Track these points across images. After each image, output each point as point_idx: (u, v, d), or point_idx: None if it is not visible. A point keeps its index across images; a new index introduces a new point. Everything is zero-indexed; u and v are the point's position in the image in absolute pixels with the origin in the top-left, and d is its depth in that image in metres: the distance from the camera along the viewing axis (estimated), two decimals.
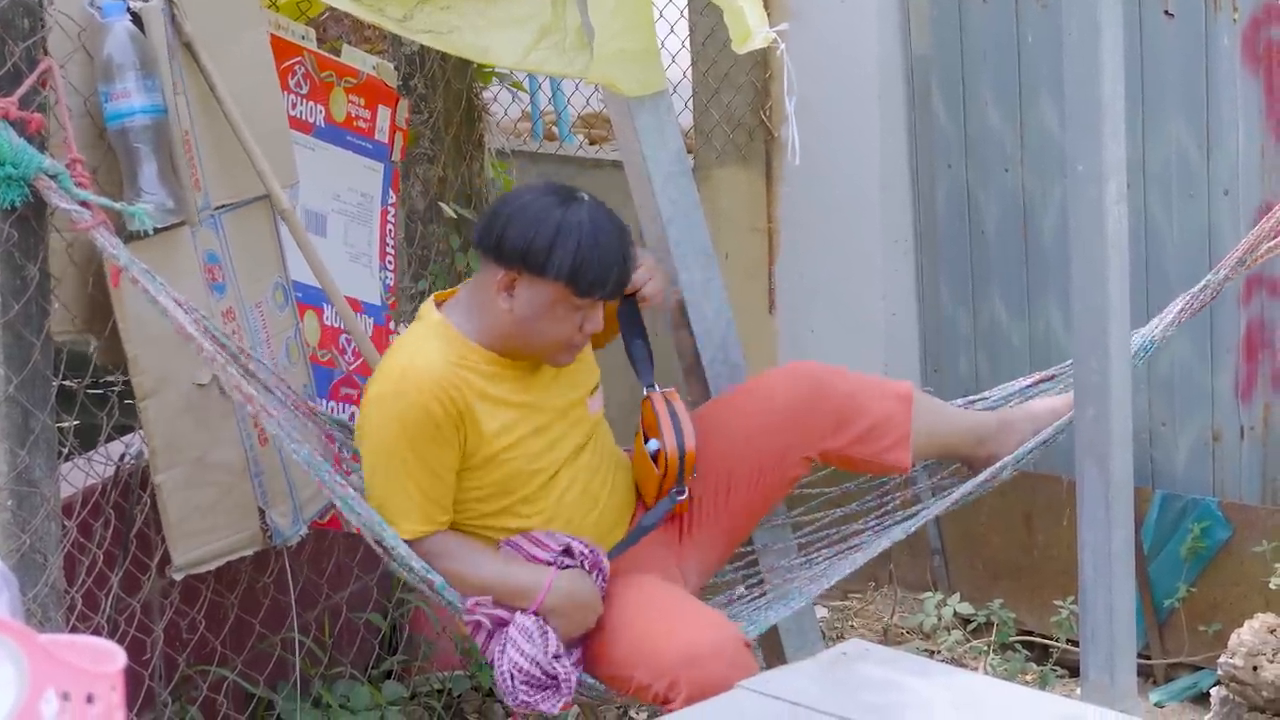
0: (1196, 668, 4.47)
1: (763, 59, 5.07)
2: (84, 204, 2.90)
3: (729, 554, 3.67)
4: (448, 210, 4.76)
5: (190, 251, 3.32)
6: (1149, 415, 4.46)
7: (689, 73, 5.37)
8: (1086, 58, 2.91)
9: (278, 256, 3.57)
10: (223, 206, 3.40)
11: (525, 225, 3.21)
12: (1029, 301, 4.69)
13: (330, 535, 3.95)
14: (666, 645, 3.20)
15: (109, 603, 3.42)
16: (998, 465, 3.60)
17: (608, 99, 3.89)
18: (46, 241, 3.00)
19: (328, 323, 3.84)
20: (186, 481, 3.30)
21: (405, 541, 3.20)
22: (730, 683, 3.07)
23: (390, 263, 4.14)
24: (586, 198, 3.28)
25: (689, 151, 4.75)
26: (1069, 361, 3.81)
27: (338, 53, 4.04)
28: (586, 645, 3.33)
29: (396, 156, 4.15)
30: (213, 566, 3.40)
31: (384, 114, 4.09)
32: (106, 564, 3.44)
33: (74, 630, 3.21)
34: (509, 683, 3.24)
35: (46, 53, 2.98)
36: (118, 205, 2.96)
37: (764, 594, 3.71)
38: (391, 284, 4.15)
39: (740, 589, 3.77)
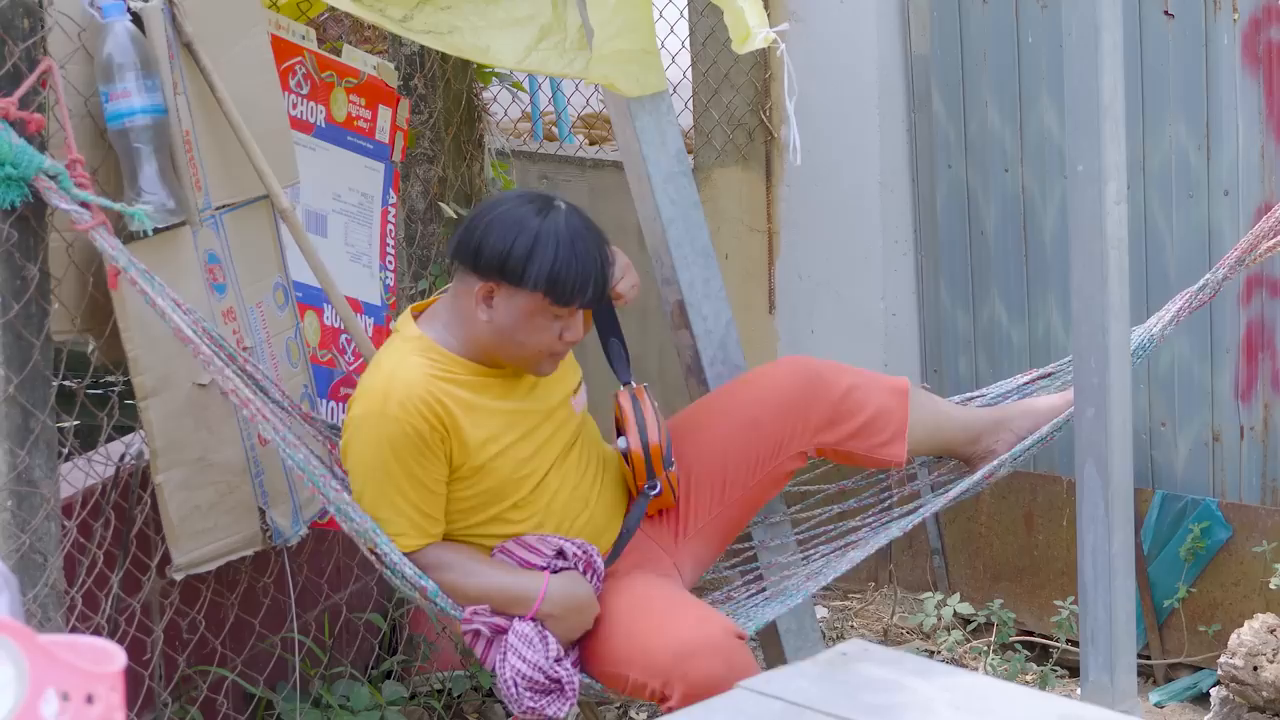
0: (1196, 668, 4.47)
1: (763, 59, 5.08)
2: (84, 204, 2.89)
3: (725, 547, 3.67)
4: (448, 210, 4.76)
5: (191, 252, 3.32)
6: (1149, 415, 4.46)
7: (689, 73, 5.37)
8: (1086, 58, 2.90)
9: (278, 257, 3.57)
10: (223, 207, 3.40)
11: (502, 236, 3.20)
12: (1029, 302, 4.69)
13: (330, 535, 3.95)
14: (659, 642, 3.21)
15: (109, 603, 3.42)
16: (995, 462, 3.61)
17: (608, 99, 3.89)
18: (46, 241, 3.00)
19: (328, 323, 3.84)
20: (187, 482, 3.30)
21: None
22: (724, 674, 3.09)
23: (390, 263, 4.15)
24: (563, 205, 3.26)
25: (689, 151, 4.76)
26: (1067, 358, 3.82)
27: (338, 53, 4.04)
28: (582, 645, 3.33)
29: (397, 157, 4.15)
30: (213, 567, 3.40)
31: (384, 114, 4.09)
32: (106, 564, 3.44)
33: (74, 630, 3.21)
34: (513, 690, 3.24)
35: (46, 53, 2.98)
36: (117, 206, 2.96)
37: (762, 590, 3.72)
38: (391, 284, 4.15)
39: (739, 585, 3.77)
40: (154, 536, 3.44)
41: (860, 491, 3.85)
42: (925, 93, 4.84)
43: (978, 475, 3.62)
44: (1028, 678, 4.48)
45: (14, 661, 1.50)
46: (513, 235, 3.19)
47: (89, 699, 1.51)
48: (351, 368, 3.86)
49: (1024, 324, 4.70)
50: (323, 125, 3.91)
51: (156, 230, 3.11)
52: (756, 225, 5.15)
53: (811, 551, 3.77)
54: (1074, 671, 4.32)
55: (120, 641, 3.27)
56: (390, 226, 4.13)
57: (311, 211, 3.89)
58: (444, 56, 4.65)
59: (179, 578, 3.39)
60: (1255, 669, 3.98)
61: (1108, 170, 2.92)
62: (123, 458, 3.52)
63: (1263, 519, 4.31)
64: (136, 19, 3.16)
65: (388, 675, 4.25)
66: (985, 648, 4.61)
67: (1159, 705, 4.42)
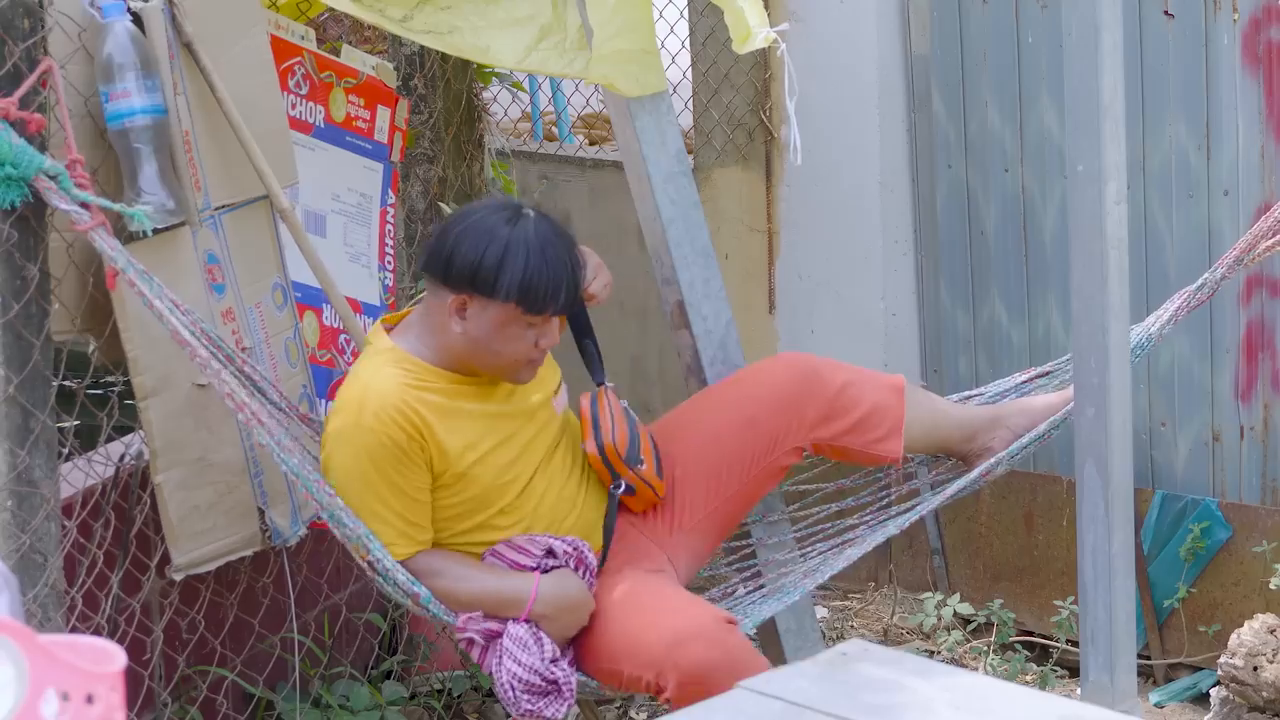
0: (1196, 668, 4.47)
1: (763, 59, 5.08)
2: (83, 205, 2.89)
3: (721, 541, 3.68)
4: (447, 210, 4.76)
5: (190, 252, 3.32)
6: (1149, 415, 4.46)
7: (689, 73, 5.37)
8: (1086, 58, 2.90)
9: (277, 257, 3.57)
10: (222, 207, 3.40)
11: (472, 248, 3.20)
12: (1029, 302, 4.69)
13: (330, 535, 3.92)
14: (649, 635, 3.22)
15: (109, 603, 3.42)
16: (992, 460, 3.61)
17: (608, 99, 3.89)
18: (46, 241, 3.00)
19: (327, 323, 3.84)
20: (186, 482, 3.30)
21: None
22: (715, 659, 3.10)
23: (389, 263, 4.14)
24: (531, 213, 3.26)
25: (689, 152, 4.76)
26: (1065, 357, 3.82)
27: (337, 53, 4.04)
28: (577, 644, 3.34)
29: (396, 157, 4.15)
30: (212, 567, 3.40)
31: (383, 114, 4.09)
32: (106, 564, 3.44)
33: (74, 630, 3.21)
34: (510, 693, 3.24)
35: (47, 53, 2.98)
36: (117, 206, 2.96)
37: (760, 587, 3.72)
38: (391, 284, 4.15)
39: (737, 582, 3.78)
40: (154, 536, 3.44)
41: (859, 490, 3.85)
42: (925, 93, 4.84)
43: (974, 473, 3.62)
44: (1028, 678, 4.48)
45: (14, 661, 1.50)
46: (482, 247, 3.19)
47: (89, 699, 1.51)
48: (351, 368, 3.86)
49: (1024, 324, 4.70)
50: (322, 125, 3.91)
51: (156, 230, 3.11)
52: (756, 225, 5.15)
53: (809, 549, 3.77)
54: (1074, 671, 4.32)
55: (120, 641, 3.27)
56: (389, 227, 4.13)
57: (310, 212, 3.89)
58: (444, 56, 4.65)
59: (178, 578, 3.39)
60: (1255, 669, 3.98)
61: (1108, 170, 2.93)
62: (122, 458, 3.52)
63: (1263, 519, 4.31)
64: (136, 19, 3.16)
65: (388, 675, 4.25)
66: (985, 648, 4.61)
67: (1159, 705, 4.42)
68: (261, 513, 3.47)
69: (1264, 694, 3.98)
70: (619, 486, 3.44)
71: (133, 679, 3.37)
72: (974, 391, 3.92)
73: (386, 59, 4.44)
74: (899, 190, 4.93)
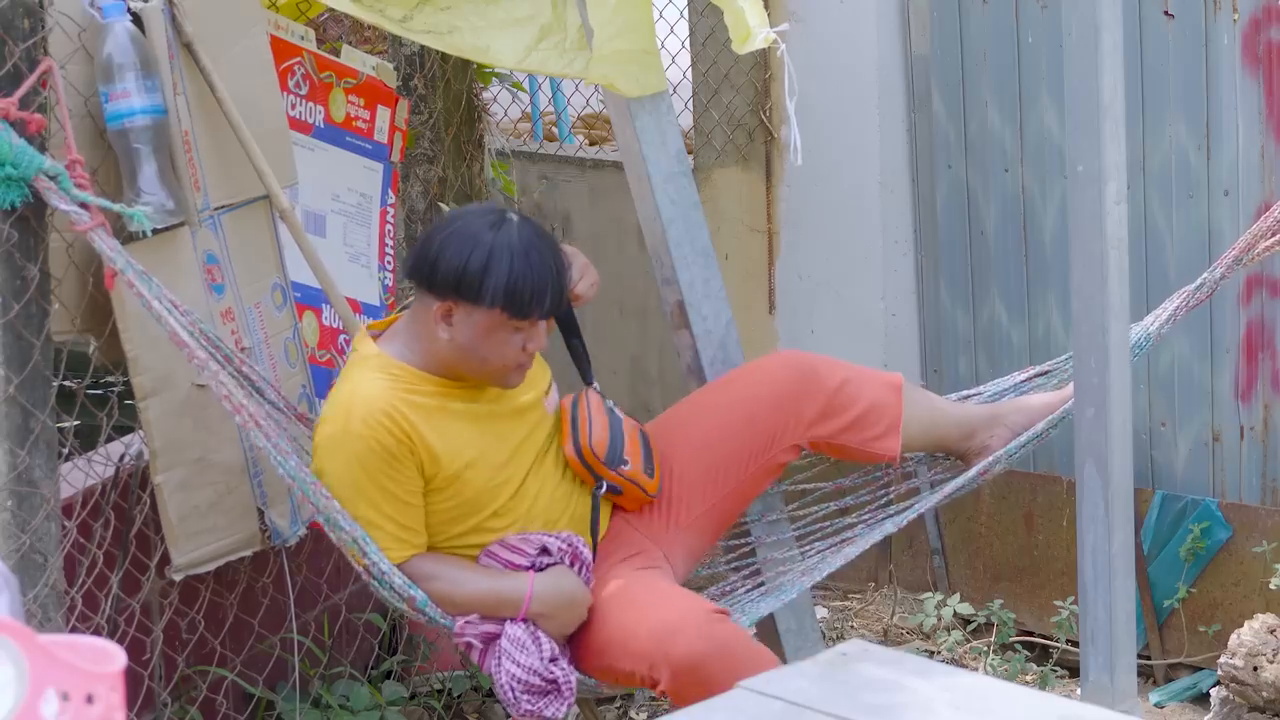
0: (1196, 668, 4.47)
1: (762, 60, 5.08)
2: (83, 205, 2.89)
3: (718, 538, 3.68)
4: (447, 210, 4.76)
5: (190, 252, 3.32)
6: (1149, 415, 4.46)
7: (689, 73, 5.37)
8: (1086, 58, 2.90)
9: (276, 257, 3.57)
10: (222, 207, 3.40)
11: (456, 254, 3.20)
12: (1029, 302, 4.69)
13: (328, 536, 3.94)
14: (640, 629, 3.22)
15: (109, 603, 3.42)
16: (990, 458, 3.61)
17: (608, 99, 3.89)
18: (46, 242, 3.00)
19: (326, 323, 3.84)
20: (186, 482, 3.30)
21: None
22: (705, 649, 3.11)
23: (389, 263, 4.15)
24: (515, 217, 3.26)
25: (689, 152, 4.76)
26: (1064, 356, 3.82)
27: (337, 53, 4.04)
28: (573, 643, 3.34)
29: (396, 157, 4.15)
30: (212, 567, 3.40)
31: (383, 114, 4.09)
32: (106, 565, 3.44)
33: (74, 631, 3.21)
34: (510, 695, 3.25)
35: (47, 53, 2.98)
36: (116, 207, 2.96)
37: (760, 585, 3.72)
38: (390, 284, 4.15)
39: (736, 580, 3.78)
40: (153, 537, 3.44)
41: (858, 489, 3.86)
42: (925, 93, 4.84)
43: (972, 471, 3.62)
44: (1028, 678, 4.48)
45: (14, 661, 1.50)
46: (466, 253, 3.19)
47: (89, 699, 1.51)
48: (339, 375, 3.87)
49: (1024, 324, 4.70)
50: (321, 125, 3.91)
51: (155, 231, 3.11)
52: (756, 225, 5.15)
53: (808, 548, 3.77)
54: (1074, 672, 4.32)
55: (120, 641, 3.27)
56: (389, 227, 4.13)
57: (310, 212, 3.89)
58: (444, 56, 4.65)
59: (178, 578, 3.39)
60: (1255, 669, 3.98)
61: (1108, 170, 2.92)
62: (122, 458, 3.52)
63: (1263, 519, 4.31)
64: (136, 19, 3.16)
65: (387, 675, 4.25)
66: (985, 648, 4.61)
67: (1159, 705, 4.42)
68: (261, 513, 3.47)
69: (1264, 694, 3.98)
70: (600, 488, 3.45)
71: (133, 679, 3.37)
72: (973, 390, 3.93)
73: (386, 59, 4.44)
74: (899, 190, 4.93)
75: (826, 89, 4.86)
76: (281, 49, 3.71)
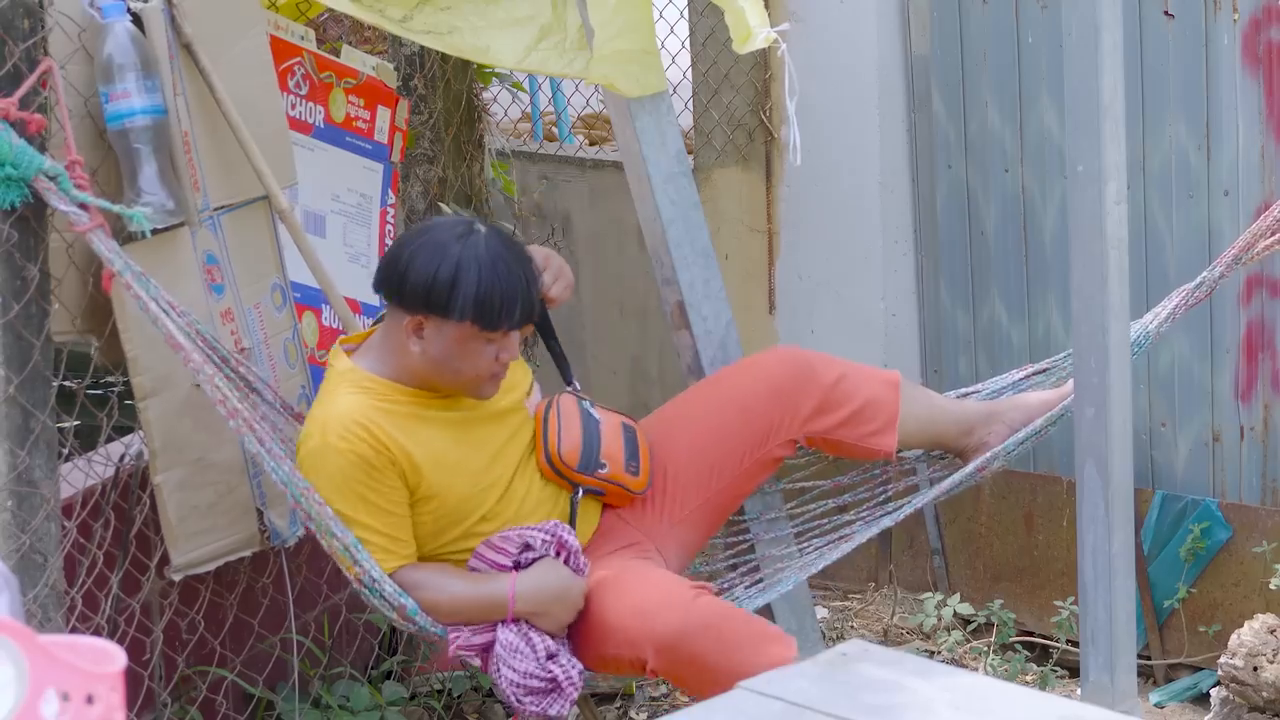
0: (1196, 668, 4.47)
1: (762, 60, 5.07)
2: (82, 206, 2.89)
3: (713, 532, 3.69)
4: (447, 211, 4.76)
5: (189, 252, 3.32)
6: (1149, 415, 4.46)
7: (689, 73, 5.37)
8: (1086, 58, 2.90)
9: (276, 258, 3.57)
10: (221, 208, 3.40)
11: (424, 268, 3.20)
12: (1029, 302, 4.68)
13: None
14: (621, 611, 3.23)
15: (109, 603, 3.42)
16: (988, 454, 3.60)
17: (608, 99, 3.89)
18: (47, 242, 3.00)
19: (326, 323, 3.84)
20: (185, 482, 3.30)
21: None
22: (687, 626, 3.13)
23: None
24: (482, 228, 3.26)
25: (689, 152, 4.76)
26: (1063, 354, 3.82)
27: (337, 53, 4.04)
28: (570, 635, 3.34)
29: (396, 157, 4.15)
30: (211, 567, 3.40)
31: (383, 114, 4.09)
32: (106, 565, 3.44)
33: (74, 631, 3.21)
34: (512, 699, 3.26)
35: (47, 53, 2.98)
36: (116, 208, 2.96)
37: (759, 582, 3.73)
38: None
39: (734, 578, 3.78)
40: (153, 537, 3.44)
41: (856, 486, 3.86)
42: (925, 93, 4.84)
43: (970, 467, 3.62)
44: (1028, 678, 4.48)
45: (14, 661, 1.50)
46: (434, 266, 3.19)
47: (89, 699, 1.51)
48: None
49: (1024, 324, 4.70)
50: (321, 126, 3.91)
51: (155, 231, 3.11)
52: (756, 225, 5.15)
53: (807, 545, 3.78)
54: (1074, 672, 4.32)
55: (120, 642, 3.27)
56: (389, 227, 4.13)
57: (310, 212, 3.89)
58: (444, 57, 4.65)
59: (178, 578, 3.39)
60: (1255, 669, 3.98)
61: (1108, 170, 2.92)
62: (122, 458, 3.52)
63: (1263, 519, 4.31)
64: (136, 19, 3.16)
65: (388, 675, 4.25)
66: (985, 648, 4.61)
67: (1159, 705, 4.42)
68: (260, 513, 3.47)
69: (1264, 694, 3.98)
70: (577, 493, 3.45)
71: (133, 679, 3.37)
72: (971, 388, 3.93)
73: (386, 59, 4.44)
74: (899, 190, 4.93)
75: (826, 89, 4.86)
76: (281, 49, 3.71)
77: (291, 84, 3.79)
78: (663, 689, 4.53)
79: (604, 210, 5.70)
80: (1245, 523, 4.34)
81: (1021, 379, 3.85)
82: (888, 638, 4.84)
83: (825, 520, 3.79)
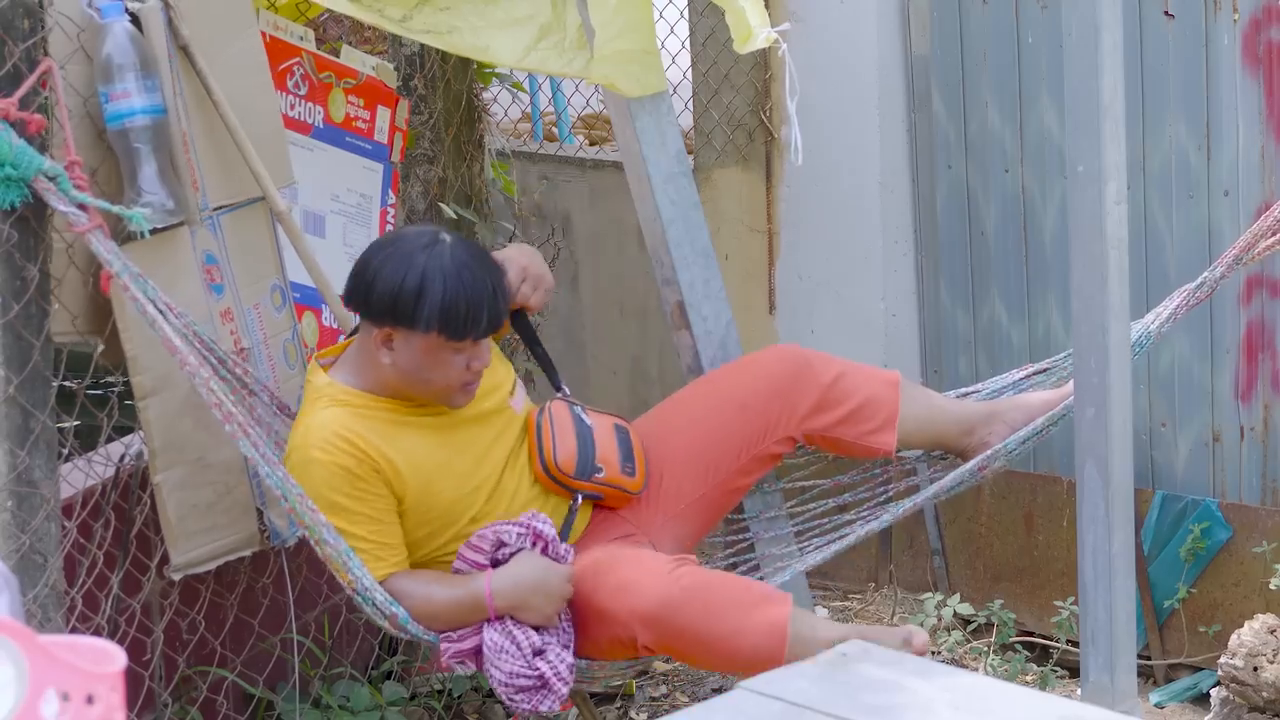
0: (1196, 668, 4.47)
1: (763, 60, 5.07)
2: (81, 206, 2.89)
3: (708, 528, 3.69)
4: (448, 211, 4.76)
5: (189, 252, 3.33)
6: (1149, 415, 4.46)
7: (689, 73, 5.37)
8: (1086, 58, 2.90)
9: (275, 258, 3.57)
10: (221, 208, 3.41)
11: (389, 280, 3.21)
12: (1029, 302, 4.69)
13: None
14: (608, 593, 3.23)
15: (109, 603, 3.42)
16: (989, 452, 3.60)
17: (608, 99, 3.89)
18: (47, 242, 3.00)
19: (327, 324, 3.84)
20: (185, 481, 3.30)
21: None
22: (670, 596, 3.14)
23: None
24: (448, 238, 3.26)
25: (689, 152, 4.76)
26: (1063, 354, 3.82)
27: (337, 53, 4.04)
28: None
29: (396, 157, 4.15)
30: (211, 567, 3.40)
31: (383, 115, 4.09)
32: (106, 565, 3.44)
33: (74, 631, 3.21)
34: (506, 698, 3.26)
35: (47, 53, 2.98)
36: (115, 208, 2.96)
37: (759, 579, 3.73)
38: None
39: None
40: (153, 537, 3.45)
41: (857, 485, 3.85)
42: (925, 93, 4.84)
43: (971, 464, 3.61)
44: (1028, 678, 4.48)
45: (14, 662, 1.50)
46: (399, 278, 3.20)
47: (89, 699, 1.51)
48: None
49: (1024, 324, 4.70)
50: (321, 126, 3.91)
51: (155, 231, 3.11)
52: (756, 226, 5.15)
53: (807, 544, 3.78)
54: (1074, 672, 4.32)
55: (120, 642, 3.27)
56: (389, 227, 4.13)
57: (310, 212, 3.89)
58: (444, 57, 4.65)
59: (177, 578, 3.39)
60: (1255, 669, 3.98)
61: (1108, 170, 2.92)
62: (122, 458, 3.52)
63: (1263, 519, 4.31)
64: (134, 20, 3.16)
65: (388, 676, 4.25)
66: (985, 648, 4.61)
67: (1159, 706, 4.42)
68: (260, 513, 3.47)
69: (1264, 694, 3.98)
70: (576, 500, 3.45)
71: (133, 679, 3.37)
72: (971, 388, 3.93)
73: (386, 59, 4.44)
74: (899, 190, 4.93)
75: (826, 89, 4.86)
76: (280, 49, 3.71)
77: (290, 84, 3.79)
78: (663, 689, 4.54)
79: (604, 210, 5.71)
80: (1245, 523, 4.34)
81: (1021, 379, 3.85)
82: None
83: (826, 520, 3.79)
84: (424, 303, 3.18)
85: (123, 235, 3.05)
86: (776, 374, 3.57)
